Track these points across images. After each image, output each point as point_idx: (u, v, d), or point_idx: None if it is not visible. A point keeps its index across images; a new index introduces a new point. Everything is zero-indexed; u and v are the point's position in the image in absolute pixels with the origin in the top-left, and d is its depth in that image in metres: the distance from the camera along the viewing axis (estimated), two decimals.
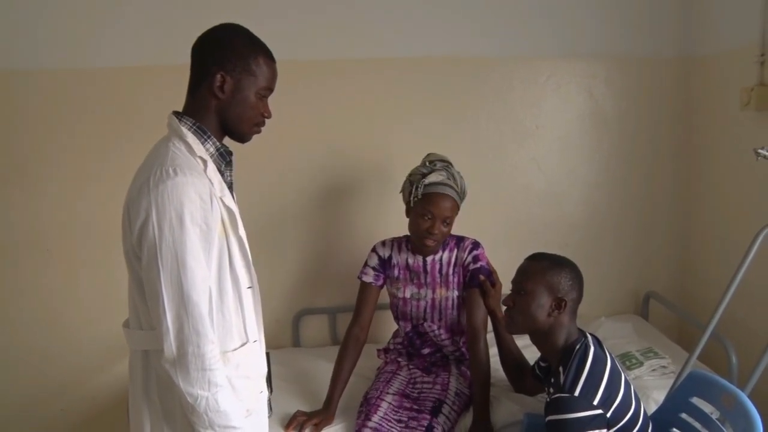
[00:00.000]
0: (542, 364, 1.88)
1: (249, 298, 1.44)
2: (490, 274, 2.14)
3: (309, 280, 2.74)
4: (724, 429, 1.62)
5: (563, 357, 1.65)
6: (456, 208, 2.09)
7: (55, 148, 2.49)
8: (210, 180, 1.34)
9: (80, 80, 2.46)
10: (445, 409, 2.01)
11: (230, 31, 1.40)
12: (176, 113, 1.41)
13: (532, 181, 2.79)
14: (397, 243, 2.23)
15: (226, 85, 1.36)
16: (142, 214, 1.24)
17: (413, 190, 2.09)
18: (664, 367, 2.29)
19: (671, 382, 2.09)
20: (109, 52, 2.45)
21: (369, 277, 2.20)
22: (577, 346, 1.63)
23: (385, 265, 2.21)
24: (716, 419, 1.67)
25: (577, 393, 1.52)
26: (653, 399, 2.13)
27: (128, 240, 1.31)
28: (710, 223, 2.72)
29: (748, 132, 2.39)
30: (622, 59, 2.74)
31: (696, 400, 1.74)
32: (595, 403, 1.52)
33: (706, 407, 1.72)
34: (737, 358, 2.18)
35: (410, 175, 2.15)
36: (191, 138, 1.35)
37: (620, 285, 2.91)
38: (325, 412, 2.04)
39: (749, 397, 1.61)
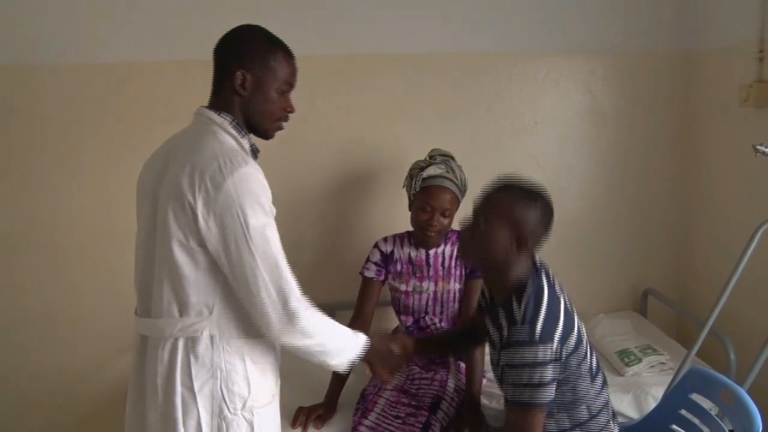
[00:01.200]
0: (484, 300, 1.73)
1: None
2: None
3: (308, 275, 2.72)
4: (723, 425, 1.62)
5: (514, 292, 1.52)
6: (455, 200, 2.09)
7: (53, 143, 2.47)
8: None
9: (80, 76, 2.44)
10: (444, 406, 2.00)
11: (249, 31, 1.46)
12: (211, 108, 1.44)
13: (530, 177, 2.77)
14: (399, 238, 2.23)
15: (246, 82, 1.41)
16: (221, 205, 1.28)
17: (413, 183, 2.11)
18: (662, 363, 2.30)
19: (670, 378, 2.10)
20: (109, 49, 2.44)
21: (371, 273, 2.20)
22: (529, 283, 1.51)
23: (387, 260, 2.21)
24: (715, 415, 1.67)
25: (537, 336, 1.44)
26: (652, 395, 2.14)
27: (186, 233, 1.32)
28: (709, 219, 2.72)
29: (747, 128, 2.39)
30: (620, 56, 2.74)
31: (695, 397, 1.74)
32: (554, 346, 1.45)
33: (706, 403, 1.73)
34: (735, 355, 2.19)
35: (410, 169, 2.17)
36: (234, 132, 1.41)
37: (619, 282, 2.91)
38: (327, 405, 2.04)
39: (748, 393, 1.61)
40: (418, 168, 2.13)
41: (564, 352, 1.48)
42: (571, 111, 2.77)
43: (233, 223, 1.29)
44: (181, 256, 1.34)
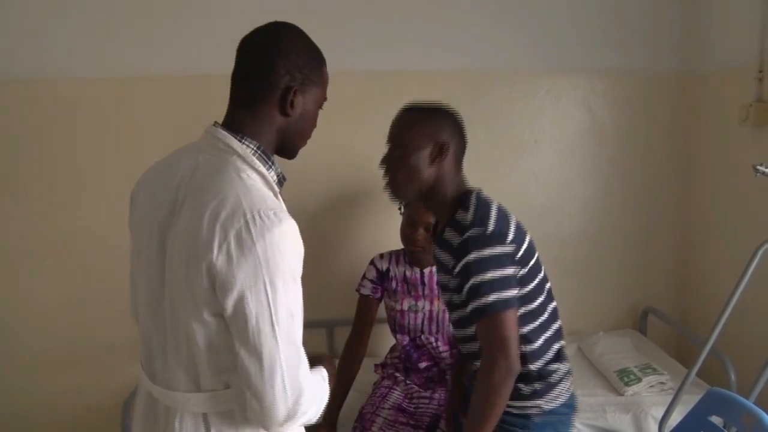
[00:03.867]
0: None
1: None
2: None
3: (307, 293, 2.71)
4: None
5: (459, 204, 1.49)
6: None
7: (54, 156, 2.48)
8: None
9: (76, 89, 2.45)
10: (442, 425, 1.99)
11: (295, 37, 1.19)
12: (228, 129, 1.15)
13: (530, 196, 2.78)
14: (395, 255, 2.22)
15: (296, 100, 1.17)
16: (245, 274, 1.03)
17: None
18: (662, 383, 2.28)
19: (669, 398, 2.08)
20: (106, 63, 2.45)
21: (367, 290, 2.19)
22: (472, 194, 1.51)
23: (383, 277, 2.20)
24: None
25: (490, 231, 1.41)
26: (651, 416, 2.12)
27: (200, 303, 1.07)
28: (709, 238, 2.72)
29: (747, 148, 2.39)
30: (621, 74, 2.75)
31: (715, 419, 1.72)
32: (509, 240, 1.42)
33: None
34: (735, 374, 2.18)
35: None
36: (260, 166, 1.15)
37: (619, 300, 2.91)
38: (326, 426, 2.03)
39: None
40: None
41: (519, 252, 1.44)
42: (571, 129, 2.77)
43: (257, 298, 1.04)
44: (198, 328, 1.10)
